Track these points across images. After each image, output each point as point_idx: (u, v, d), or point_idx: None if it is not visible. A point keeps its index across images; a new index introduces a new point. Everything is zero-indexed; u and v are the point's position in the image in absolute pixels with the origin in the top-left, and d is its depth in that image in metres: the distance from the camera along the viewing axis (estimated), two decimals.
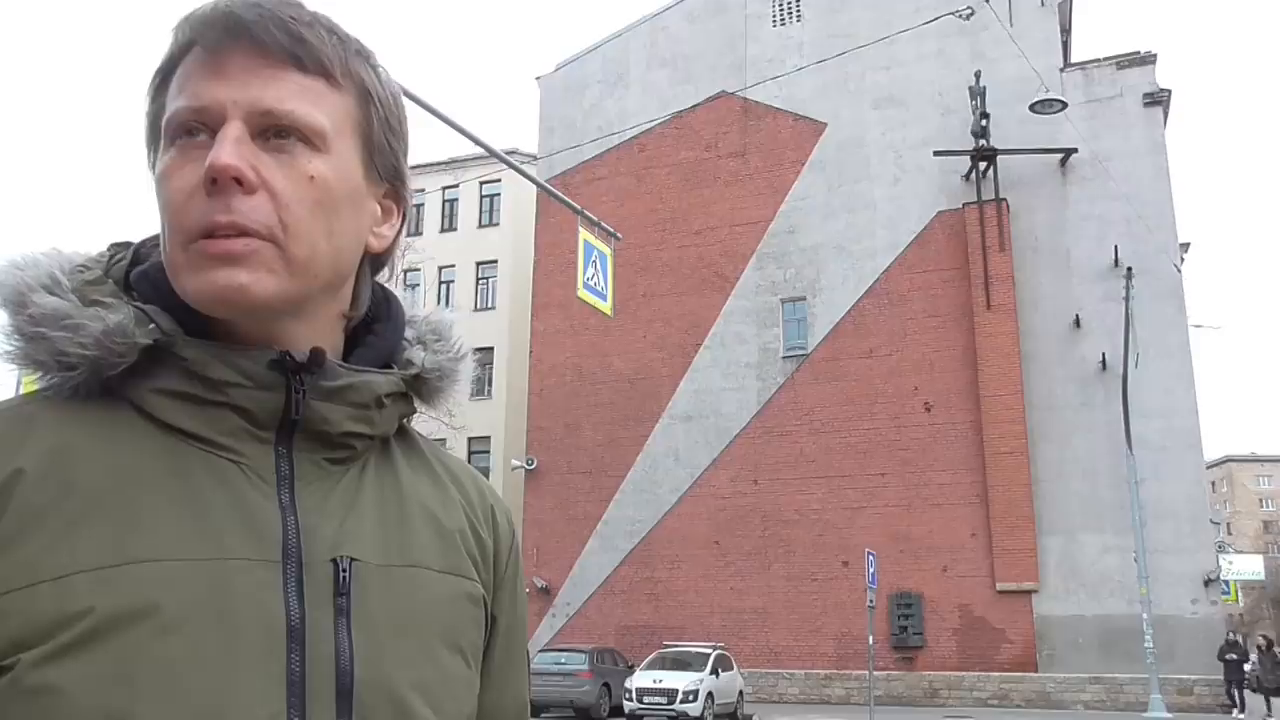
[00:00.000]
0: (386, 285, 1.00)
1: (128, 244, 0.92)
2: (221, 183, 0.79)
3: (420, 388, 0.97)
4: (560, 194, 16.20)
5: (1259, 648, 23.43)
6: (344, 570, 0.82)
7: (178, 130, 0.83)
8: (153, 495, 0.78)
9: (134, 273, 0.88)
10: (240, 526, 0.80)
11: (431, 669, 0.86)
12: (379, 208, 0.92)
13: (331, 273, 0.87)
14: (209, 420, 0.83)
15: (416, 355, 0.96)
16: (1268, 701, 23.39)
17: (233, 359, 0.83)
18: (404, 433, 0.99)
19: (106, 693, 0.71)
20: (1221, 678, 22.77)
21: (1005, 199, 26.81)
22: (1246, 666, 23.07)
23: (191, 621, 0.74)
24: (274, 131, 0.83)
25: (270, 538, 0.80)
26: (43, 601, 0.72)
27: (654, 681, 20.87)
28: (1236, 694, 22.40)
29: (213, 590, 0.76)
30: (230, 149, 0.79)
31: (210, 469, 0.81)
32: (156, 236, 0.90)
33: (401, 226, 0.95)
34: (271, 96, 0.82)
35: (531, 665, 23.29)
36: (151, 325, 0.81)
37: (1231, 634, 23.12)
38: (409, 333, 0.98)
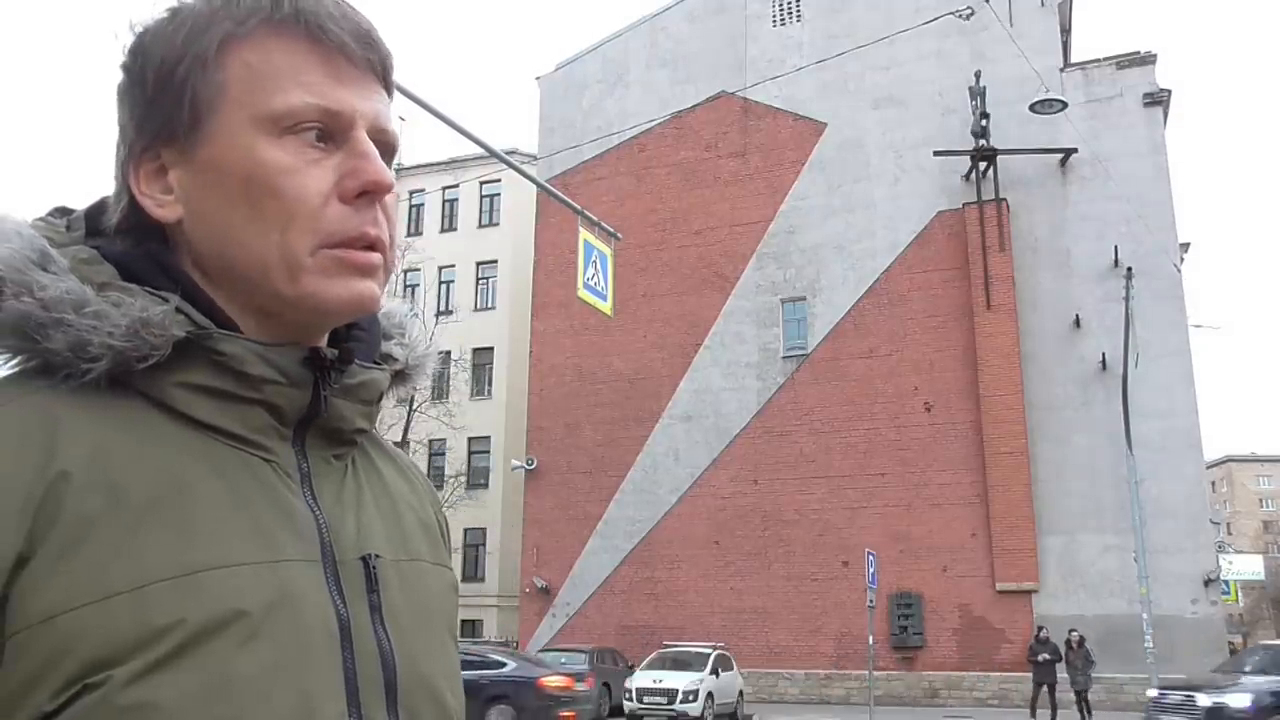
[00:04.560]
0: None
1: (68, 209, 0.87)
2: (373, 197, 0.82)
3: (394, 382, 0.98)
4: (560, 194, 16.20)
5: (1069, 644, 20.42)
6: (373, 567, 0.83)
7: (296, 126, 0.80)
8: (204, 496, 0.76)
9: (121, 252, 0.82)
10: (285, 526, 0.79)
11: (446, 657, 0.89)
12: None
13: None
14: (240, 417, 0.81)
15: (397, 351, 0.97)
16: (1081, 704, 20.12)
17: (270, 356, 0.81)
18: None
19: (207, 706, 0.69)
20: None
21: (1005, 199, 26.81)
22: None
23: (272, 627, 0.73)
24: (380, 146, 0.84)
25: (309, 537, 0.80)
26: (122, 615, 0.69)
27: (654, 681, 20.86)
28: (1049, 698, 19.90)
29: (283, 594, 0.75)
30: (384, 165, 0.82)
31: (247, 467, 0.80)
32: (108, 206, 0.86)
33: None
34: (383, 114, 0.85)
35: None
36: (180, 317, 0.79)
37: (1042, 630, 21.01)
38: None
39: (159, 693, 0.68)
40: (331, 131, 0.81)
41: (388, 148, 0.85)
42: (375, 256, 0.82)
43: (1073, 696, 20.22)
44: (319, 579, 0.79)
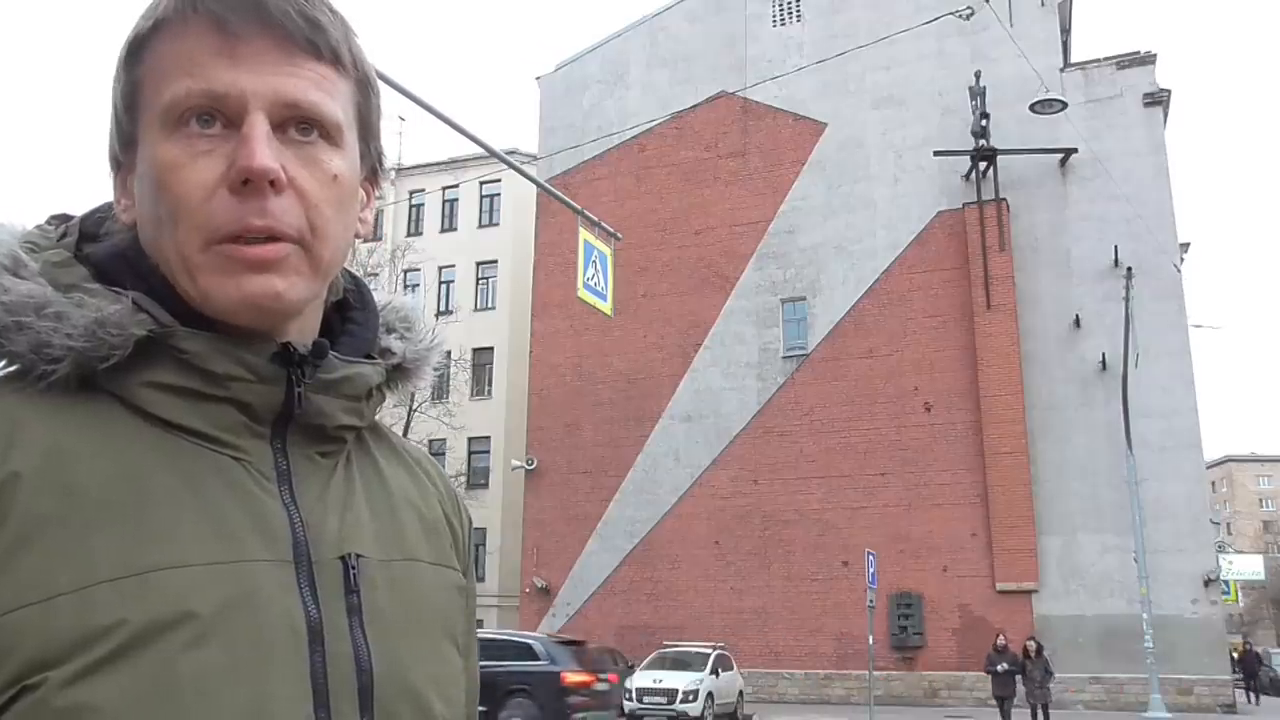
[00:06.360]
0: (354, 272, 0.98)
1: (67, 216, 0.88)
2: (256, 184, 0.76)
3: (395, 377, 0.95)
4: (560, 194, 16.19)
5: (1025, 653, 18.41)
6: (353, 568, 0.81)
7: (183, 117, 0.77)
8: (163, 497, 0.74)
9: (100, 254, 0.83)
10: (253, 526, 0.77)
11: (438, 662, 0.86)
12: (362, 192, 0.89)
13: (339, 268, 0.87)
14: (208, 415, 0.79)
15: (396, 345, 0.94)
16: (1036, 716, 18.22)
17: (235, 352, 0.79)
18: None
19: (148, 709, 0.68)
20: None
21: (1005, 199, 26.81)
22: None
23: (224, 628, 0.72)
24: (296, 125, 0.79)
25: (281, 537, 0.78)
26: (63, 616, 0.68)
27: (654, 681, 20.85)
28: (1006, 712, 18.40)
29: (241, 594, 0.73)
30: (265, 149, 0.76)
31: (215, 467, 0.78)
32: (102, 211, 0.87)
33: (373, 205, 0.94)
34: (294, 88, 0.78)
35: None
36: (142, 315, 0.78)
37: (1001, 638, 19.03)
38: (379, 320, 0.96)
39: (97, 694, 0.66)
40: (229, 117, 0.77)
41: (304, 122, 0.80)
42: (272, 249, 0.77)
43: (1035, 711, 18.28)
44: (288, 580, 0.77)
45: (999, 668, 18.37)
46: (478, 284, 39.76)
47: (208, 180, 0.77)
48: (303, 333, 0.85)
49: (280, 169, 0.77)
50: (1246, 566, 40.71)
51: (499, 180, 36.89)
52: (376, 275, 30.08)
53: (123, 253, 0.83)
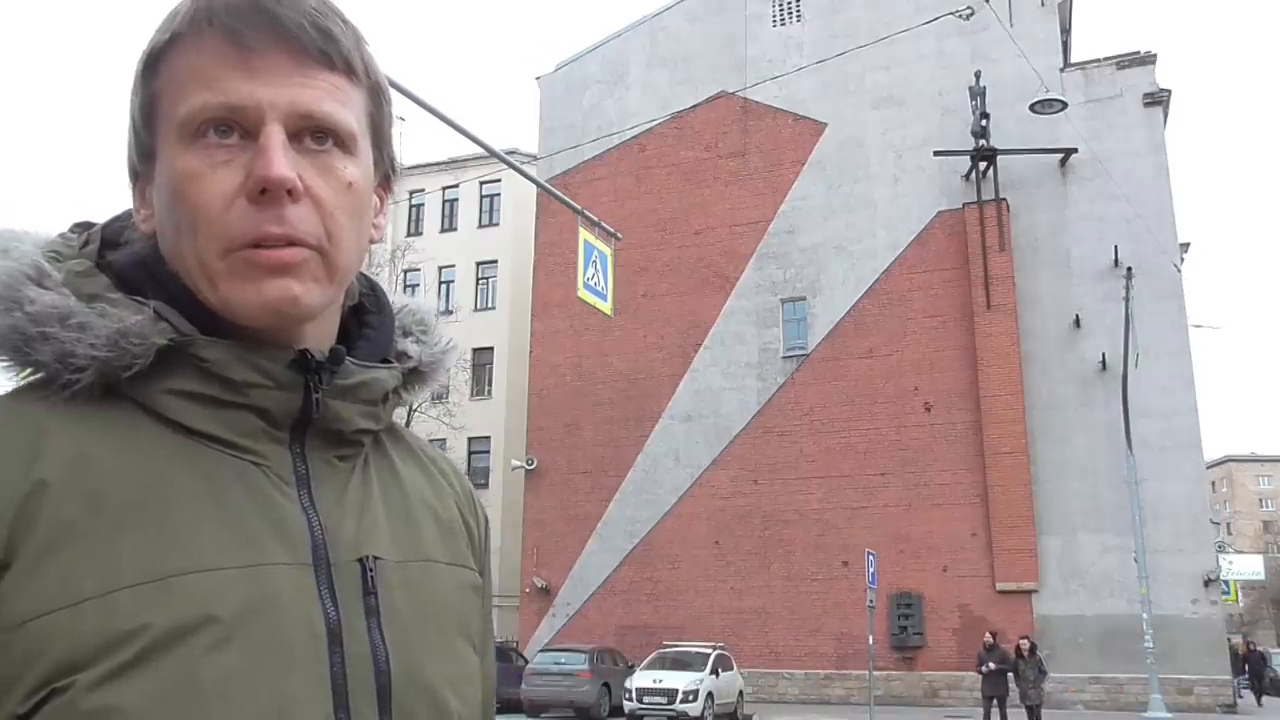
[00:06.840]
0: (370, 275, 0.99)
1: (89, 224, 0.89)
2: (273, 193, 0.78)
3: (412, 381, 0.97)
4: (560, 194, 16.18)
5: (1018, 652, 18.09)
6: (370, 570, 0.82)
7: (201, 128, 0.79)
8: (185, 502, 0.76)
9: (121, 262, 0.84)
10: (272, 530, 0.79)
11: (455, 661, 0.87)
12: (375, 199, 0.91)
13: (354, 274, 0.88)
14: (228, 422, 0.81)
15: (411, 348, 0.96)
16: (1030, 716, 18.04)
17: (254, 359, 0.81)
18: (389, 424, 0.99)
19: (173, 710, 0.69)
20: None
21: (1005, 199, 26.80)
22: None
23: (246, 631, 0.73)
24: (311, 135, 0.81)
25: (300, 540, 0.80)
26: (90, 620, 0.70)
27: (654, 681, 20.87)
28: (1000, 713, 18.05)
29: (262, 598, 0.75)
30: (282, 159, 0.78)
31: (235, 472, 0.80)
32: (123, 219, 0.88)
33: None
34: (309, 99, 0.80)
35: (531, 665, 22.98)
36: (163, 324, 0.79)
37: (990, 636, 18.86)
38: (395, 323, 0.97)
39: (123, 697, 0.68)
40: (246, 128, 0.79)
41: (320, 131, 0.81)
42: (290, 253, 0.78)
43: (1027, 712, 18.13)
44: (308, 583, 0.78)
45: (987, 666, 18.24)
46: (478, 284, 39.75)
47: (226, 190, 0.78)
48: (320, 339, 0.86)
49: (297, 178, 0.79)
50: (1246, 566, 40.67)
51: (499, 180, 36.88)
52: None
53: (143, 260, 0.84)
